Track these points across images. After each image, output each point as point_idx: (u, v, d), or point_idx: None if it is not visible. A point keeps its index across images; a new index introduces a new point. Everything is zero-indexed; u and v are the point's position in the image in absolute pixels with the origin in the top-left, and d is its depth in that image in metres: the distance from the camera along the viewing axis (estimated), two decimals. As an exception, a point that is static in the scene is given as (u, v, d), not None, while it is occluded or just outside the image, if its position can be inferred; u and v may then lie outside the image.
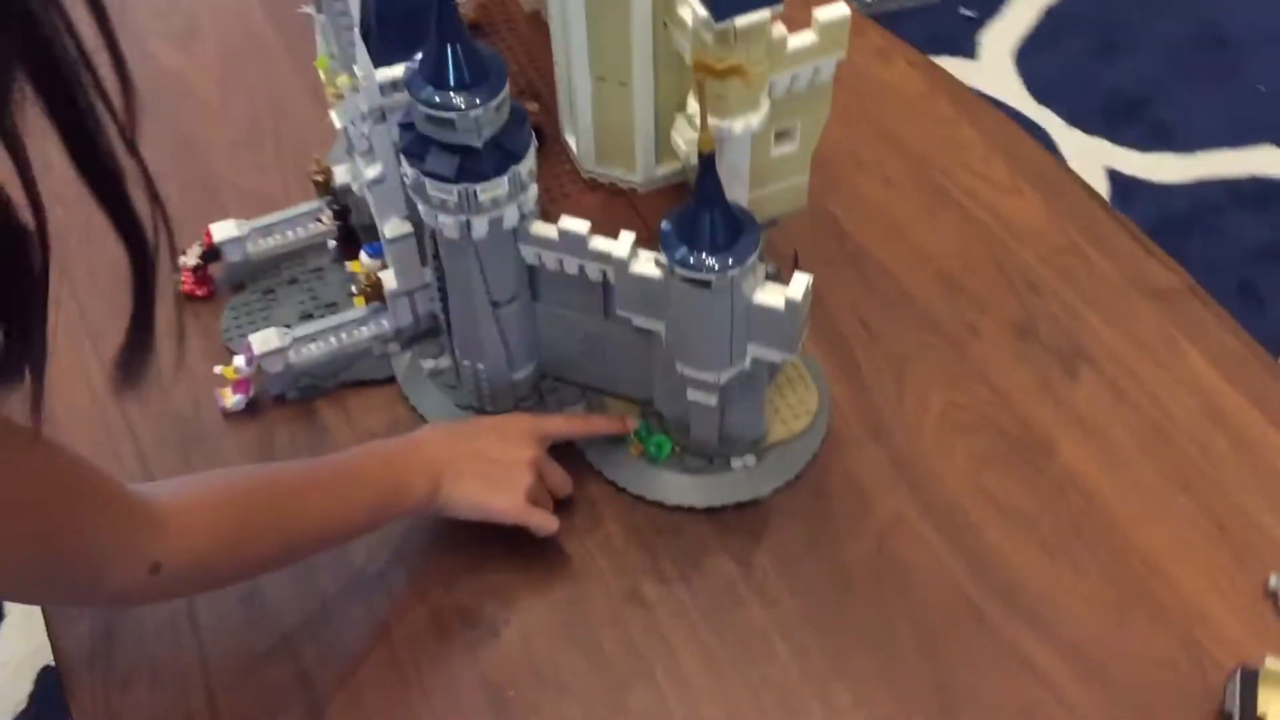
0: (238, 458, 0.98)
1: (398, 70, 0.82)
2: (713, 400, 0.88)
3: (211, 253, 1.05)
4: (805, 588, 0.91)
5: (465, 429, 0.93)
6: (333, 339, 0.99)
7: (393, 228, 0.93)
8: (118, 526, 0.71)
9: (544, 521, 0.90)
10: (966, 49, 2.18)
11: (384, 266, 0.98)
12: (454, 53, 0.74)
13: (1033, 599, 0.90)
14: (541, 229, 0.84)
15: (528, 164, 0.80)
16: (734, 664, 0.87)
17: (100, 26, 0.56)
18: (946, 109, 1.23)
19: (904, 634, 0.88)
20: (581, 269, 0.85)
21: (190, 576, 0.77)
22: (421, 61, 0.76)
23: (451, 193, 0.79)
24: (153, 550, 0.72)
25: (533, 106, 1.03)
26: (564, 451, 0.95)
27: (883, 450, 0.98)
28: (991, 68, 2.14)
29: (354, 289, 1.02)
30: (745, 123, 0.78)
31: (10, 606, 1.63)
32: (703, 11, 0.76)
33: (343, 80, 0.88)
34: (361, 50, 0.80)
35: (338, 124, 0.91)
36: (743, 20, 0.76)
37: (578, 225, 0.83)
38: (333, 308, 1.04)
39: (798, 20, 0.82)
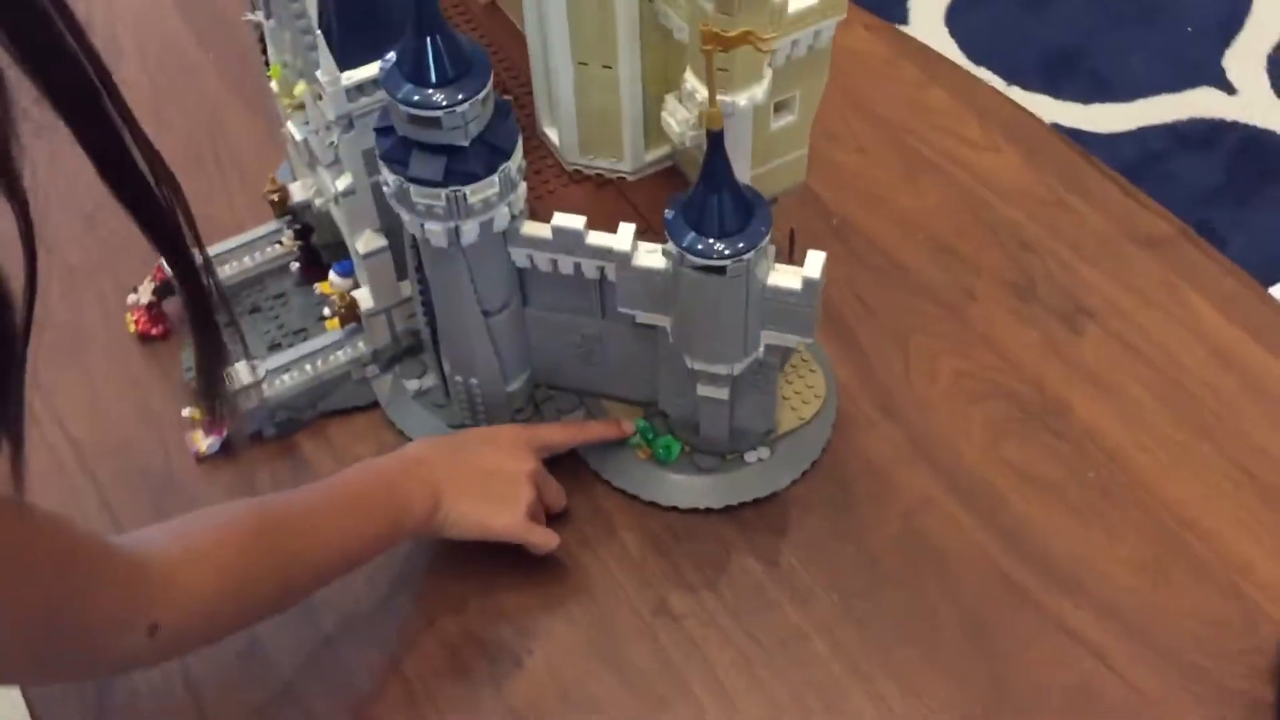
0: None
1: (366, 72, 0.76)
2: (724, 394, 0.84)
3: (165, 287, 0.99)
4: (836, 580, 0.87)
5: (459, 440, 0.89)
6: (307, 367, 0.94)
7: (365, 242, 0.87)
8: (114, 591, 0.66)
9: (544, 539, 0.85)
10: (898, 15, 2.15)
11: (356, 285, 0.92)
12: (434, 45, 0.68)
13: (1071, 567, 0.87)
14: (533, 229, 0.79)
15: (517, 159, 0.75)
16: (772, 668, 0.83)
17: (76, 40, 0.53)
18: (911, 71, 1.19)
19: (945, 618, 0.85)
20: (577, 267, 0.80)
21: (189, 633, 0.71)
22: (398, 58, 0.70)
23: (439, 198, 0.73)
24: (151, 610, 0.67)
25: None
26: (566, 461, 0.90)
27: (897, 429, 0.94)
28: (924, 31, 2.11)
29: (326, 311, 0.96)
30: (750, 95, 0.73)
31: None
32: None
33: (300, 89, 0.82)
34: (325, 53, 0.74)
35: (297, 136, 0.85)
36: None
37: (573, 221, 0.78)
38: (302, 334, 0.98)
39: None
